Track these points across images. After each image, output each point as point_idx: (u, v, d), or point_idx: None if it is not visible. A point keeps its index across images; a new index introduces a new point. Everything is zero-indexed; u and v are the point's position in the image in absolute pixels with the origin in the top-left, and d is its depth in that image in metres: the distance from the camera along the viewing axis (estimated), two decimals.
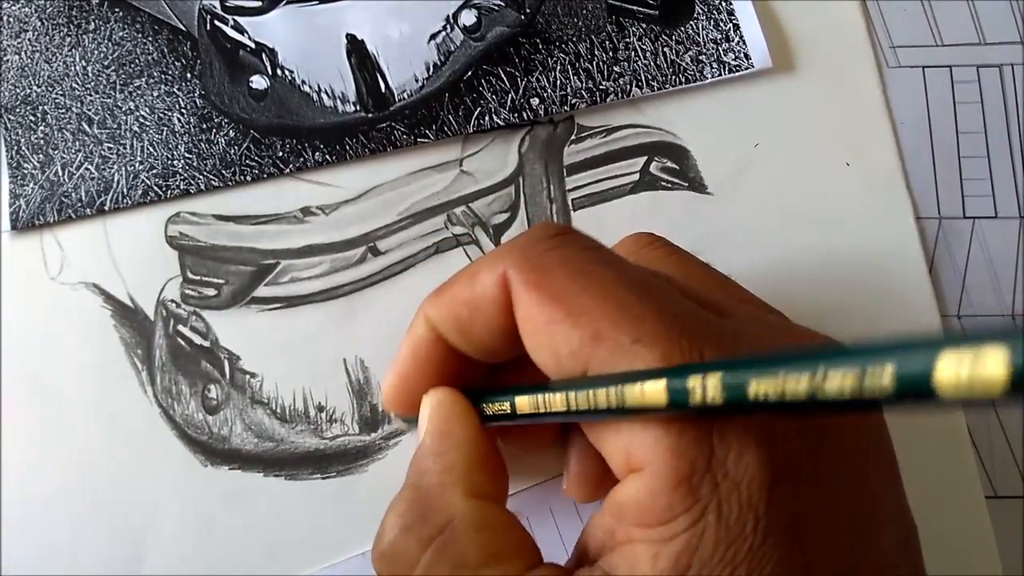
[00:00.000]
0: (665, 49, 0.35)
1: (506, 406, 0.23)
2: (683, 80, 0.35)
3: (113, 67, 0.34)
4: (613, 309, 0.20)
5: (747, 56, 0.35)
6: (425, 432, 0.24)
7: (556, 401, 0.21)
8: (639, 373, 0.19)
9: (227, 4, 0.35)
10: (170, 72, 0.34)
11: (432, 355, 0.24)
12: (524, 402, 0.22)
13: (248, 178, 0.33)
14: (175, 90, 0.34)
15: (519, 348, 0.23)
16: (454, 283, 0.24)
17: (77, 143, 0.34)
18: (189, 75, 0.34)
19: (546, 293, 0.21)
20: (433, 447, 0.23)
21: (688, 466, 0.18)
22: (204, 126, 0.34)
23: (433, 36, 0.35)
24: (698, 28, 0.35)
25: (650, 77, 0.35)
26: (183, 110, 0.34)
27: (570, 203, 0.34)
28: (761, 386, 0.16)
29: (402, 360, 0.25)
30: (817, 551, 0.19)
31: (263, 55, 0.34)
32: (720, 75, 0.35)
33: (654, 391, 0.18)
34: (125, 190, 0.33)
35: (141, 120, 0.34)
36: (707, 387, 0.17)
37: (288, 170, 0.33)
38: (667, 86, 0.35)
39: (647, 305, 0.20)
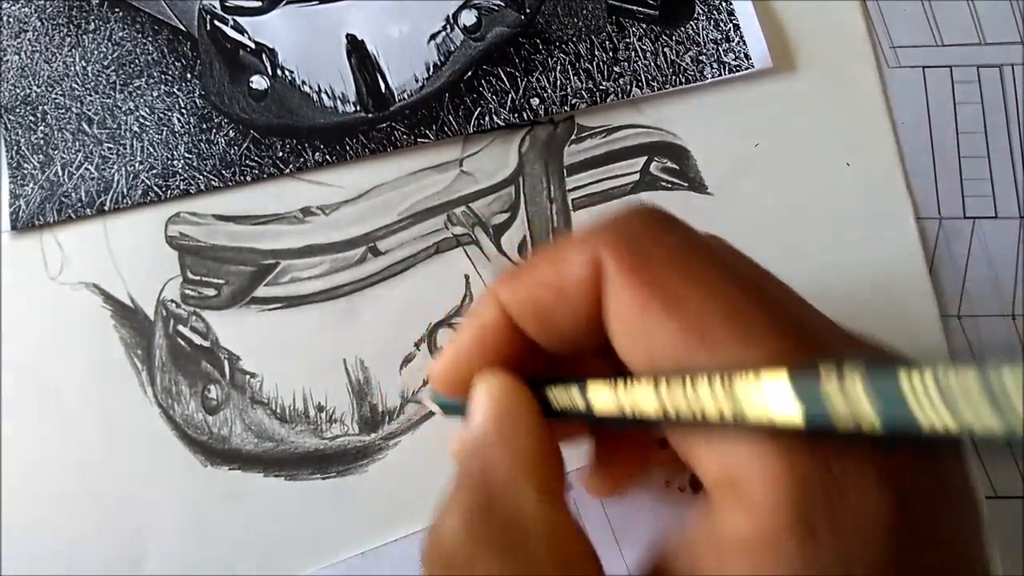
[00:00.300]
0: (665, 49, 0.35)
1: (579, 402, 0.21)
2: (683, 80, 0.35)
3: (113, 67, 0.34)
4: (721, 305, 0.18)
5: (747, 56, 0.35)
6: (484, 419, 0.21)
7: (647, 403, 0.18)
8: (762, 377, 0.16)
9: (227, 4, 0.35)
10: (170, 72, 0.34)
11: (497, 341, 0.22)
12: (604, 401, 0.20)
13: (248, 178, 0.33)
14: (175, 90, 0.34)
15: (598, 340, 0.21)
16: (534, 265, 0.21)
17: (77, 143, 0.34)
18: (189, 75, 0.34)
19: (645, 281, 0.19)
20: (496, 437, 0.20)
21: (801, 488, 0.16)
22: (204, 126, 0.34)
23: (433, 36, 0.35)
24: (698, 28, 0.35)
25: (650, 77, 0.35)
26: (183, 110, 0.34)
27: (570, 203, 0.34)
28: (935, 413, 0.13)
29: (463, 342, 0.22)
30: None
31: (263, 55, 0.34)
32: (720, 75, 0.35)
33: (781, 405, 0.15)
34: (125, 190, 0.33)
35: (141, 120, 0.34)
36: (856, 409, 0.14)
37: (288, 170, 0.33)
38: (667, 86, 0.35)
39: (760, 304, 0.18)
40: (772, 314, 0.18)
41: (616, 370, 0.22)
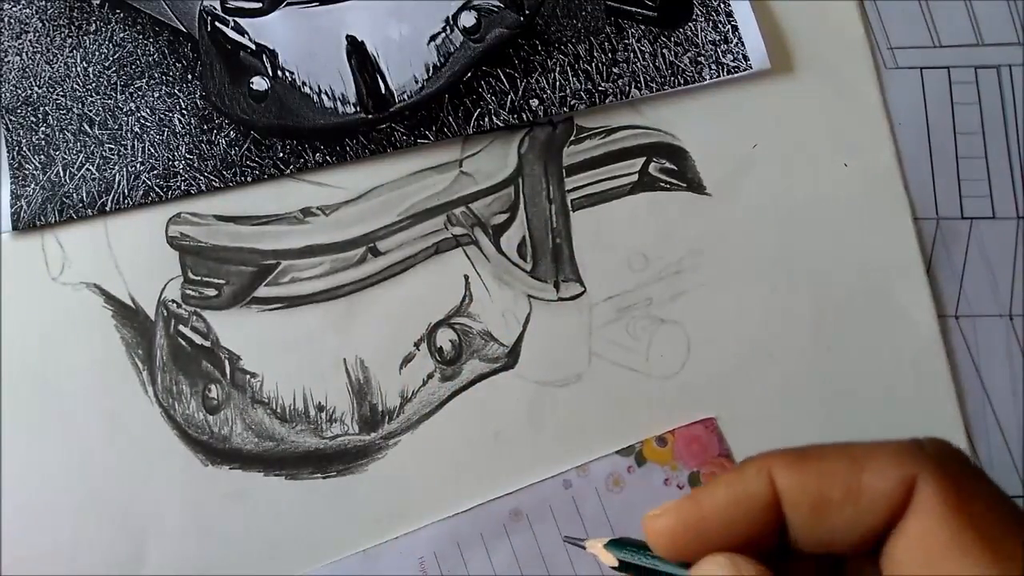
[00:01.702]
0: (664, 51, 0.35)
1: None
2: (682, 81, 0.35)
3: (114, 68, 0.35)
4: None
5: (745, 58, 0.35)
6: None
7: None
8: None
9: (228, 5, 0.35)
10: (171, 73, 0.35)
11: (753, 519, 0.20)
12: None
13: (249, 179, 0.33)
14: (176, 91, 0.34)
15: (850, 550, 0.20)
16: (827, 457, 0.20)
17: (78, 144, 0.34)
18: (190, 76, 0.35)
19: (969, 521, 0.19)
20: None
21: None
22: (205, 127, 0.34)
23: (433, 37, 0.35)
24: (697, 30, 0.35)
25: (649, 78, 0.35)
26: (184, 111, 0.34)
27: (569, 204, 0.34)
28: None
29: (712, 505, 0.20)
30: None
31: (264, 56, 0.35)
32: (719, 76, 0.35)
33: None
34: (126, 191, 0.33)
35: (142, 121, 0.34)
36: None
37: (289, 171, 0.34)
38: (666, 87, 0.35)
39: None
40: None
41: None
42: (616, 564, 0.22)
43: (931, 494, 0.19)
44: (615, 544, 0.22)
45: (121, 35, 0.35)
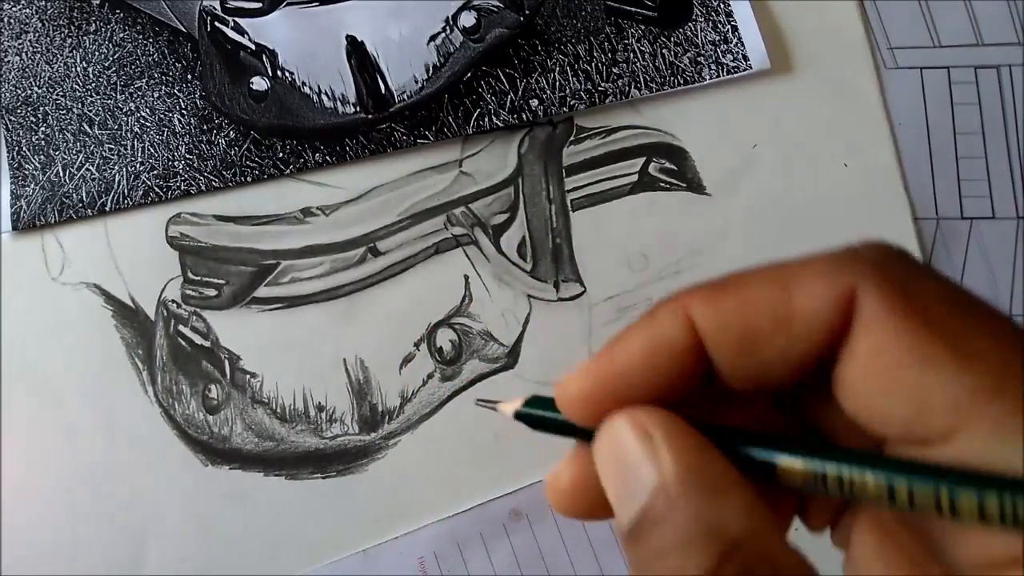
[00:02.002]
0: (664, 51, 0.35)
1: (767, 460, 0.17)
2: (682, 81, 0.35)
3: (114, 68, 0.35)
4: (1011, 352, 0.16)
5: (745, 58, 0.35)
6: (668, 466, 0.18)
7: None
8: None
9: (228, 5, 0.35)
10: (171, 73, 0.35)
11: (671, 366, 0.18)
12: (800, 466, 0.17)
13: (249, 179, 0.33)
14: (176, 91, 0.34)
15: (789, 382, 0.18)
16: (748, 284, 0.18)
17: (78, 144, 0.34)
18: (190, 76, 0.35)
19: (924, 323, 0.16)
20: (702, 483, 0.17)
21: None
22: (205, 127, 0.34)
23: (433, 38, 0.35)
24: (696, 30, 0.35)
25: (649, 78, 0.35)
26: (184, 111, 0.34)
27: (569, 204, 0.34)
28: None
29: (624, 358, 0.18)
30: None
31: (263, 56, 0.35)
32: (718, 77, 0.35)
33: None
34: (126, 191, 0.33)
35: (142, 121, 0.34)
36: None
37: (288, 171, 0.34)
38: (666, 87, 0.35)
39: None
40: None
41: (781, 418, 0.20)
42: (515, 415, 0.20)
43: (876, 305, 0.17)
44: (533, 403, 0.20)
45: (121, 35, 0.35)
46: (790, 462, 0.17)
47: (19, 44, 0.35)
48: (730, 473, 0.17)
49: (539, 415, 0.20)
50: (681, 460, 0.17)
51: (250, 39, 0.35)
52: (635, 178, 0.34)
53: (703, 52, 0.35)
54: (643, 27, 0.35)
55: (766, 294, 0.18)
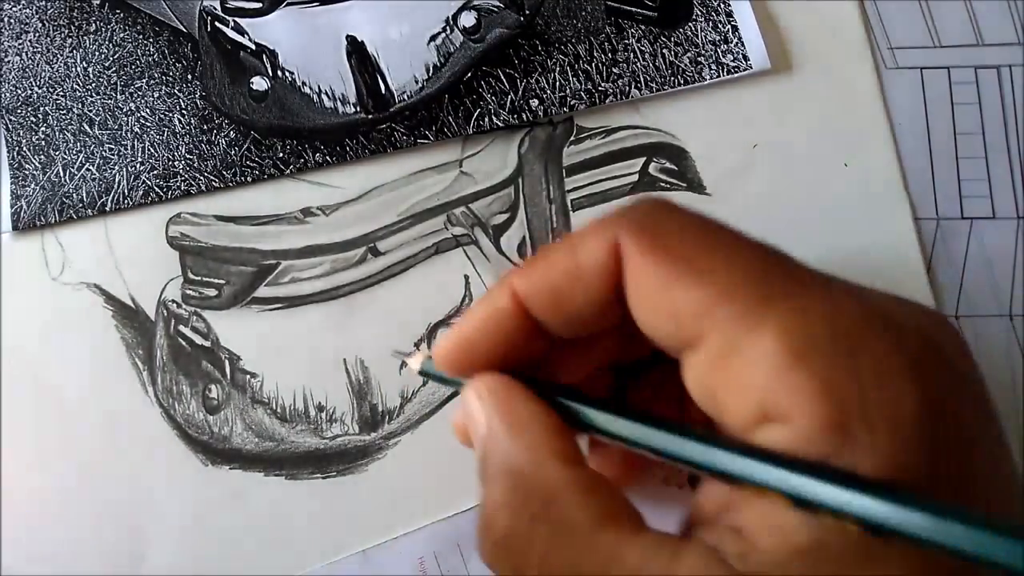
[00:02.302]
0: (664, 51, 0.35)
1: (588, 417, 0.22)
2: (682, 81, 0.35)
3: (114, 68, 0.35)
4: (741, 267, 0.20)
5: (745, 57, 0.35)
6: (489, 419, 0.22)
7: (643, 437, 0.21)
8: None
9: (228, 5, 0.35)
10: (171, 73, 0.35)
11: (506, 329, 0.23)
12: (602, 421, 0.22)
13: (249, 179, 0.33)
14: (176, 91, 0.34)
15: (608, 321, 0.22)
16: (549, 254, 0.23)
17: (78, 144, 0.34)
18: (190, 76, 0.35)
19: (666, 255, 0.21)
20: (506, 429, 0.22)
21: (840, 411, 0.18)
22: (205, 127, 0.34)
23: (433, 38, 0.35)
24: (696, 30, 0.35)
25: (649, 78, 0.35)
26: (184, 111, 0.34)
27: (569, 204, 0.34)
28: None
29: (471, 326, 0.23)
30: (964, 493, 0.18)
31: (264, 56, 0.35)
32: (719, 76, 0.35)
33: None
34: (126, 191, 0.33)
35: (142, 121, 0.34)
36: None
37: (289, 171, 0.34)
38: (666, 87, 0.35)
39: (775, 264, 0.20)
40: (786, 269, 0.20)
41: (622, 345, 0.25)
42: (418, 370, 0.26)
43: (632, 248, 0.21)
44: (430, 361, 0.25)
45: (121, 35, 0.35)
46: (586, 412, 0.22)
47: (19, 44, 0.35)
48: (534, 422, 0.22)
49: (431, 371, 0.25)
50: (496, 415, 0.22)
51: (250, 39, 0.35)
52: (635, 178, 0.34)
53: (703, 52, 0.35)
54: (643, 27, 0.35)
55: (561, 257, 0.22)
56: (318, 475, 0.31)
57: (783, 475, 0.18)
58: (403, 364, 0.31)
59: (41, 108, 0.34)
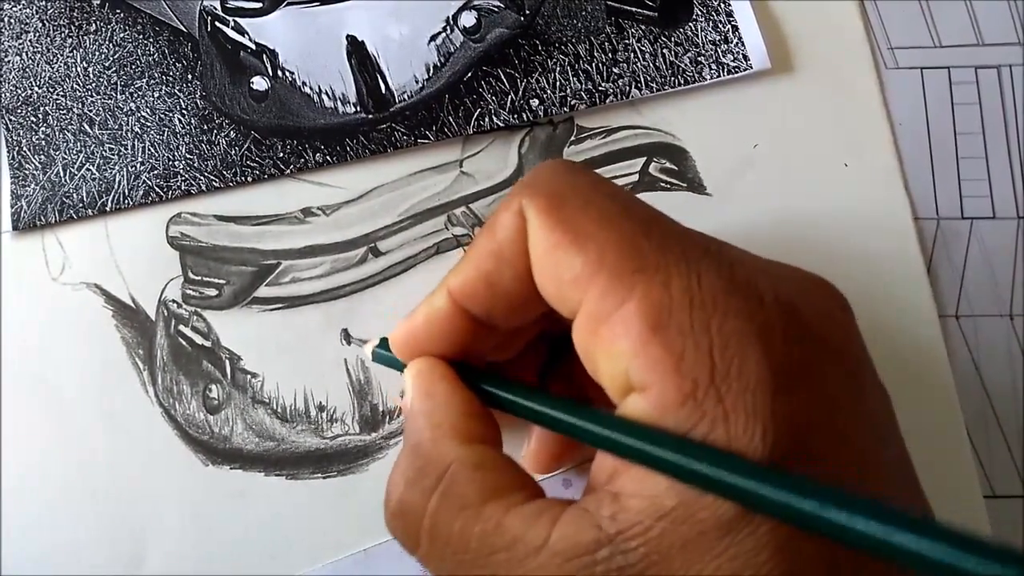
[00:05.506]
0: (664, 51, 0.35)
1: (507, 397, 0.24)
2: (682, 81, 0.35)
3: (114, 68, 0.35)
4: (617, 238, 0.20)
5: (746, 57, 0.35)
6: (410, 396, 0.25)
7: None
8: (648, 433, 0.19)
9: (228, 5, 0.35)
10: (171, 73, 0.35)
11: (444, 328, 0.25)
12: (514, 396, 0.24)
13: (249, 179, 0.33)
14: (176, 91, 0.34)
15: (540, 303, 0.23)
16: (473, 244, 0.24)
17: (78, 144, 0.34)
18: (190, 76, 0.34)
19: (555, 218, 0.21)
20: (420, 407, 0.24)
21: (691, 383, 0.19)
22: (205, 127, 0.34)
23: (433, 37, 0.35)
24: (697, 30, 0.35)
25: (649, 78, 0.35)
26: (184, 111, 0.34)
27: None
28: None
29: (415, 323, 0.25)
30: (826, 460, 0.19)
31: (264, 56, 0.35)
32: (719, 76, 0.35)
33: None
34: (126, 191, 0.33)
35: (142, 121, 0.34)
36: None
37: (289, 171, 0.34)
38: (666, 87, 0.35)
39: (651, 235, 0.21)
40: (661, 243, 0.21)
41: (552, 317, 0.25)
42: (372, 356, 0.28)
43: (532, 214, 0.22)
44: (383, 344, 0.27)
45: (121, 35, 0.35)
46: (498, 393, 0.24)
47: (19, 44, 0.35)
48: (443, 402, 0.23)
49: (383, 354, 0.27)
50: (416, 395, 0.24)
51: (250, 39, 0.35)
52: (635, 178, 0.34)
53: (703, 52, 0.35)
54: (643, 27, 0.35)
55: (484, 242, 0.23)
56: (318, 475, 0.31)
57: (639, 444, 0.19)
58: (360, 344, 0.32)
59: (41, 108, 0.34)
